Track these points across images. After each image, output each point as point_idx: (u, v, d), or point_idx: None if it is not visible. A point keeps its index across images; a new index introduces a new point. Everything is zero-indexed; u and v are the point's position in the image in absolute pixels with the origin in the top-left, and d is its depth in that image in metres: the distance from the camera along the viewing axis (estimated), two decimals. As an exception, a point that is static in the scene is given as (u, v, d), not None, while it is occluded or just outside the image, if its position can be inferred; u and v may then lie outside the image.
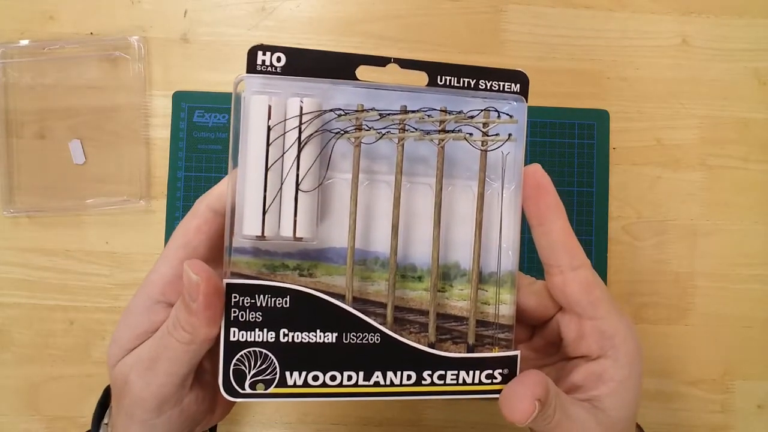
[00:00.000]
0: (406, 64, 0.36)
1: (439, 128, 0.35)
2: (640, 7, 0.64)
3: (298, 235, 0.34)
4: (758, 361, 0.62)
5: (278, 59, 0.34)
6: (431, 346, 0.35)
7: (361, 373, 0.34)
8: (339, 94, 0.35)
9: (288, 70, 0.34)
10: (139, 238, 0.60)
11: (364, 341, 0.34)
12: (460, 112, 0.36)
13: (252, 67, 0.34)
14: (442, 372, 0.35)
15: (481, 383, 0.35)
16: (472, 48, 0.63)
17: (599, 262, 0.61)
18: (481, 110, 0.36)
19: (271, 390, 0.33)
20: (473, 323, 0.36)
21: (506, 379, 0.35)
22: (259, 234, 0.33)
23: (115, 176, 0.60)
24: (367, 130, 0.35)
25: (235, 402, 0.35)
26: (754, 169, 0.63)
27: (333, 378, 0.34)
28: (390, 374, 0.34)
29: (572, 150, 0.62)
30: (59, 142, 0.60)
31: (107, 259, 0.60)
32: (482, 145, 0.36)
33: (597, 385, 0.35)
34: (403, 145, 0.35)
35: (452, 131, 0.35)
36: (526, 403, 0.32)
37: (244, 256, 0.34)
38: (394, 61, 0.36)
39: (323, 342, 0.33)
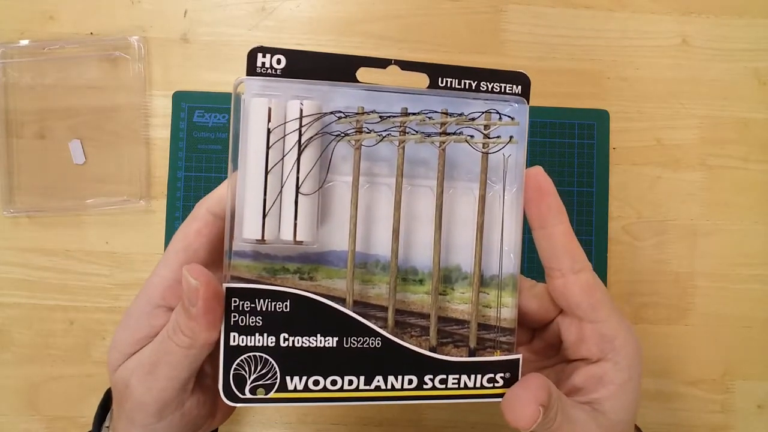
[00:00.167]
0: (406, 65, 0.35)
1: (440, 131, 0.35)
2: (640, 7, 0.64)
3: (298, 239, 0.34)
4: (758, 361, 0.62)
5: (278, 61, 0.34)
6: (432, 350, 0.35)
7: (362, 378, 0.34)
8: (339, 96, 0.34)
9: (288, 72, 0.34)
10: (139, 238, 0.60)
11: (365, 345, 0.34)
12: (461, 115, 0.35)
13: (252, 69, 0.33)
14: (444, 376, 0.34)
15: (482, 387, 0.35)
16: (472, 48, 0.63)
17: (599, 262, 0.61)
18: (483, 112, 0.35)
19: (272, 395, 0.33)
20: (475, 327, 0.36)
21: (508, 383, 0.35)
22: (259, 238, 0.33)
23: (115, 176, 0.60)
24: (368, 133, 0.35)
25: (236, 407, 0.35)
26: (754, 169, 0.63)
27: (334, 383, 0.34)
28: (391, 379, 0.34)
29: (572, 150, 0.62)
30: (59, 142, 0.60)
31: (107, 259, 0.60)
32: (483, 148, 0.36)
33: (597, 388, 0.35)
34: (403, 148, 0.35)
35: (453, 134, 0.35)
36: (531, 408, 0.32)
37: (244, 260, 0.33)
38: (394, 63, 0.35)
39: (324, 346, 0.33)
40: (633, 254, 0.62)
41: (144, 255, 0.60)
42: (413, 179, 0.36)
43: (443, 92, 0.35)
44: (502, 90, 0.36)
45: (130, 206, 0.60)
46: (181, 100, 0.60)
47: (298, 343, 0.33)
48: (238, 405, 0.33)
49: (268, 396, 0.33)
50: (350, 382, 0.34)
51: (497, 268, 0.36)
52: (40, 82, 0.60)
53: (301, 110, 0.34)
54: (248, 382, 0.33)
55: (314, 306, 0.33)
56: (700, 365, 0.62)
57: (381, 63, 0.35)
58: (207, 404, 0.36)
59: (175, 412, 0.34)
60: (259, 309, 0.33)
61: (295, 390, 0.33)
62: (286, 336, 0.33)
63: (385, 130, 0.35)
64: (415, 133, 0.35)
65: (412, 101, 0.35)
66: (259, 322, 0.33)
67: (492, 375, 0.35)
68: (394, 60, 0.35)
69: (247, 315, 0.33)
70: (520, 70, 0.36)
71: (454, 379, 0.35)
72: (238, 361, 0.33)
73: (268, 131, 0.33)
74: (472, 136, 0.36)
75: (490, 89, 0.36)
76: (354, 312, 0.34)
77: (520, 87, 0.36)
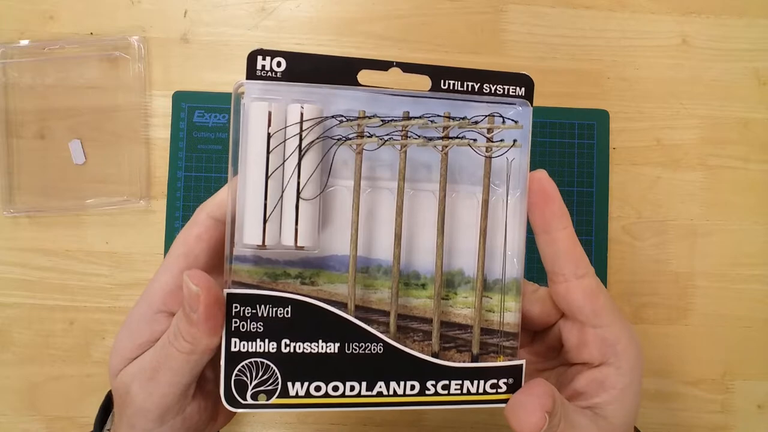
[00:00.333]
0: (408, 68, 0.35)
1: (443, 134, 0.35)
2: (640, 7, 0.64)
3: (299, 244, 0.33)
4: (758, 361, 0.63)
5: (278, 64, 0.33)
6: (435, 355, 0.35)
7: (364, 384, 0.34)
8: (340, 99, 0.34)
9: (288, 75, 0.33)
10: (139, 238, 0.60)
11: (366, 351, 0.33)
12: (463, 118, 0.35)
13: (252, 72, 0.33)
14: (446, 382, 0.34)
15: (486, 393, 0.35)
16: (472, 48, 0.62)
17: (599, 262, 0.61)
18: (486, 116, 0.35)
19: (273, 401, 0.33)
20: (477, 332, 0.36)
21: (511, 389, 0.35)
22: (260, 243, 0.33)
23: (115, 176, 0.60)
24: (369, 137, 0.34)
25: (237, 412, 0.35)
26: (754, 169, 0.63)
27: (335, 388, 0.33)
28: (393, 384, 0.34)
29: (572, 150, 0.62)
30: (59, 142, 0.59)
31: (107, 259, 0.60)
32: (486, 151, 0.35)
33: (599, 393, 0.35)
34: (405, 152, 0.35)
35: (456, 137, 0.35)
36: (537, 416, 0.32)
37: (245, 265, 0.33)
38: (396, 65, 0.35)
39: (325, 352, 0.33)
40: (633, 254, 0.62)
41: (144, 255, 0.60)
42: (415, 183, 0.35)
43: (445, 95, 0.35)
44: (505, 92, 0.35)
45: (130, 206, 0.60)
46: (181, 100, 0.60)
47: (299, 348, 0.33)
48: (240, 411, 0.33)
49: (270, 402, 0.33)
50: (352, 388, 0.33)
51: (500, 272, 0.36)
52: (40, 82, 0.59)
53: (302, 114, 0.33)
54: (249, 387, 0.33)
55: (315, 312, 0.33)
56: (699, 365, 0.62)
57: (382, 65, 0.35)
58: (208, 409, 0.36)
59: (177, 417, 0.34)
60: (260, 315, 0.32)
61: (296, 396, 0.33)
62: (288, 342, 0.33)
63: (386, 134, 0.34)
64: (417, 137, 0.35)
65: (414, 104, 0.35)
66: (260, 328, 0.32)
67: (495, 380, 0.35)
68: (396, 62, 0.35)
69: (248, 321, 0.32)
70: (524, 72, 0.35)
71: (456, 384, 0.34)
72: (239, 366, 0.32)
73: (269, 135, 0.33)
74: (475, 140, 0.35)
75: (493, 91, 0.35)
76: (356, 317, 0.34)
77: (523, 89, 0.35)
